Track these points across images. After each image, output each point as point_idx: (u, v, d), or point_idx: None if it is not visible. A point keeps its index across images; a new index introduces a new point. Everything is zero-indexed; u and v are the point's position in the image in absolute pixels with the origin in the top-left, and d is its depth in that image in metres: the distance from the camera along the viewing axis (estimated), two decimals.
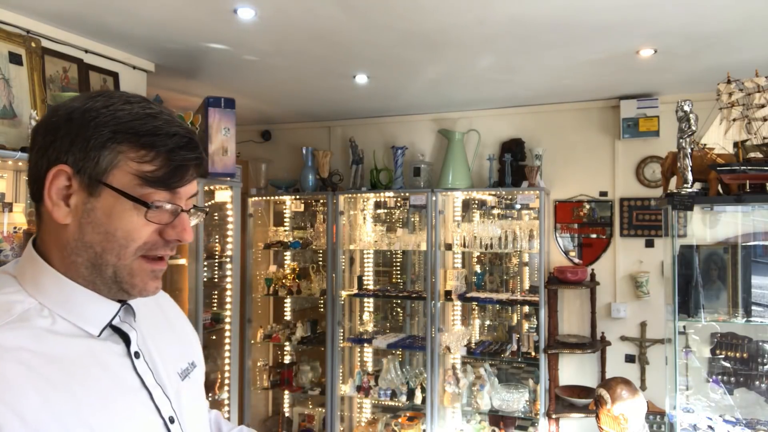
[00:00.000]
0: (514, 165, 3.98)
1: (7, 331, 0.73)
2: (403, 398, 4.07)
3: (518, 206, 4.15)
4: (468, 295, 4.06)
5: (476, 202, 4.34)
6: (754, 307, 2.69)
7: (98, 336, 0.82)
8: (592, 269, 3.92)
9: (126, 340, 0.86)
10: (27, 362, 0.72)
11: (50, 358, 0.74)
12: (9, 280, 0.81)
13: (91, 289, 0.82)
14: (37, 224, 0.84)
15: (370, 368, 4.48)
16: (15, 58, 2.38)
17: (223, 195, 3.35)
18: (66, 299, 0.80)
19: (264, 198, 4.62)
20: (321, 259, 4.60)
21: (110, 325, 0.84)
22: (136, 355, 0.86)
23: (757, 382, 2.78)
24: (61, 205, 0.79)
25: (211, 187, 3.26)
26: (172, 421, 0.86)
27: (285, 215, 4.80)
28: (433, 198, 4.00)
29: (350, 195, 4.33)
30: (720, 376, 2.83)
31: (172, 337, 0.99)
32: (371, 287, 4.58)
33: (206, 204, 3.17)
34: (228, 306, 3.32)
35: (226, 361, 3.28)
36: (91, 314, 0.82)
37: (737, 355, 2.81)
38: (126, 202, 0.79)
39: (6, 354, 0.71)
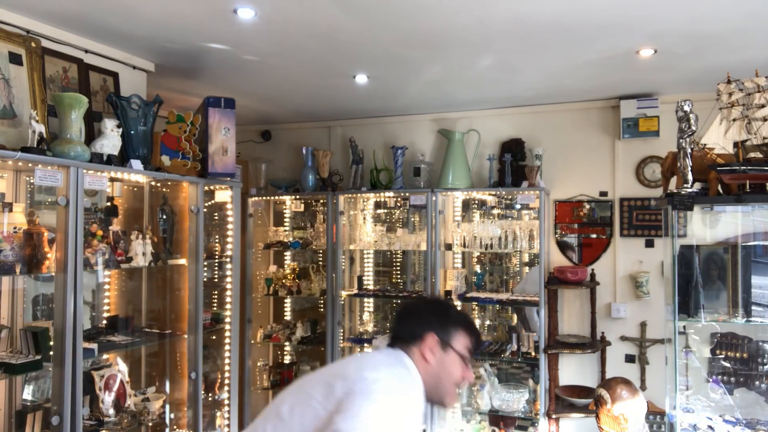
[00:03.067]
0: (514, 165, 3.98)
1: (417, 390, 1.55)
2: None
3: (518, 206, 4.15)
4: (468, 295, 4.06)
5: (476, 202, 4.34)
6: (754, 307, 2.69)
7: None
8: (592, 269, 3.92)
9: None
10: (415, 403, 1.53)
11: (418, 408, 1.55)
12: (414, 373, 1.57)
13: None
14: (417, 348, 1.60)
15: None
16: (15, 58, 2.38)
17: (223, 195, 3.35)
18: (419, 388, 1.57)
19: (264, 198, 4.62)
20: (321, 259, 4.60)
21: None
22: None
23: (757, 382, 2.78)
24: (429, 352, 1.58)
25: (211, 187, 3.26)
26: None
27: (285, 215, 4.80)
28: (433, 198, 3.99)
29: (350, 195, 4.33)
30: (720, 376, 2.83)
31: None
32: (371, 287, 4.58)
33: (206, 204, 3.18)
34: (228, 306, 3.32)
35: (226, 361, 3.28)
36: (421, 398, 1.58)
37: (737, 355, 2.81)
38: (458, 359, 1.60)
39: (415, 395, 1.53)
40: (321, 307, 4.61)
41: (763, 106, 2.43)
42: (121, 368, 2.82)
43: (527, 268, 4.33)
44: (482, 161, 4.19)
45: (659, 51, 2.92)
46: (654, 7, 2.38)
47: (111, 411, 2.69)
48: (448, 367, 1.57)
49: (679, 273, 2.59)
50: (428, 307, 1.73)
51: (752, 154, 2.45)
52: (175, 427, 3.13)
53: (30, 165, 2.24)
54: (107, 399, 2.68)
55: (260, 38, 2.79)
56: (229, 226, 3.36)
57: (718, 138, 2.56)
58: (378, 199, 4.55)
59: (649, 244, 3.85)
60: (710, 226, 3.14)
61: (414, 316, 1.67)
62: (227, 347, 3.29)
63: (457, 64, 3.19)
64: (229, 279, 3.35)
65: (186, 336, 3.06)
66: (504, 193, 4.10)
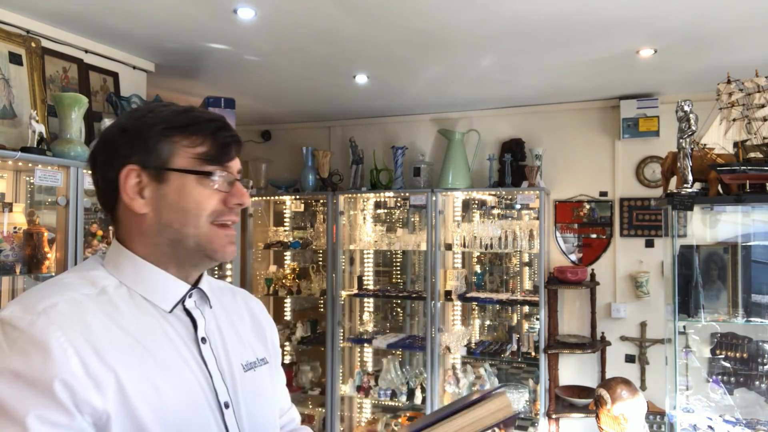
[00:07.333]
0: (514, 165, 3.98)
1: (91, 301, 0.88)
2: (403, 398, 4.07)
3: (518, 206, 4.15)
4: (468, 295, 4.06)
5: (476, 202, 4.34)
6: (754, 307, 2.69)
7: (169, 312, 0.95)
8: (592, 269, 3.92)
9: (195, 324, 0.97)
10: (107, 322, 0.87)
11: (124, 322, 0.89)
12: (96, 264, 0.96)
13: (170, 269, 0.96)
14: (115, 225, 1.00)
15: (370, 368, 4.48)
16: (15, 58, 2.37)
17: None
18: (141, 277, 0.94)
19: (264, 198, 4.62)
20: (321, 259, 4.60)
21: (184, 308, 0.97)
22: (203, 340, 0.97)
23: (757, 382, 2.78)
24: (137, 198, 0.93)
25: None
26: (227, 406, 0.95)
27: (285, 215, 4.80)
28: (433, 198, 3.99)
29: (350, 195, 4.33)
30: (720, 376, 2.83)
31: (247, 333, 1.09)
32: (371, 287, 4.57)
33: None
34: None
35: None
36: (163, 291, 0.95)
37: (737, 355, 2.81)
38: (192, 179, 0.93)
39: (91, 314, 0.87)
40: (321, 307, 4.61)
41: (763, 106, 2.43)
42: None
43: (527, 268, 4.33)
44: (482, 161, 4.18)
45: (659, 51, 2.92)
46: (654, 7, 2.38)
47: None
48: (177, 202, 0.93)
49: (679, 273, 2.59)
50: (114, 131, 0.97)
51: (752, 154, 2.45)
52: None
53: (30, 165, 2.24)
54: None
55: (260, 38, 2.79)
56: None
57: (718, 138, 2.56)
58: (378, 199, 4.55)
59: (649, 244, 3.85)
60: (710, 226, 3.14)
61: (100, 161, 0.97)
62: None
63: (457, 64, 3.18)
64: (229, 279, 3.35)
65: None
66: (504, 193, 4.10)
